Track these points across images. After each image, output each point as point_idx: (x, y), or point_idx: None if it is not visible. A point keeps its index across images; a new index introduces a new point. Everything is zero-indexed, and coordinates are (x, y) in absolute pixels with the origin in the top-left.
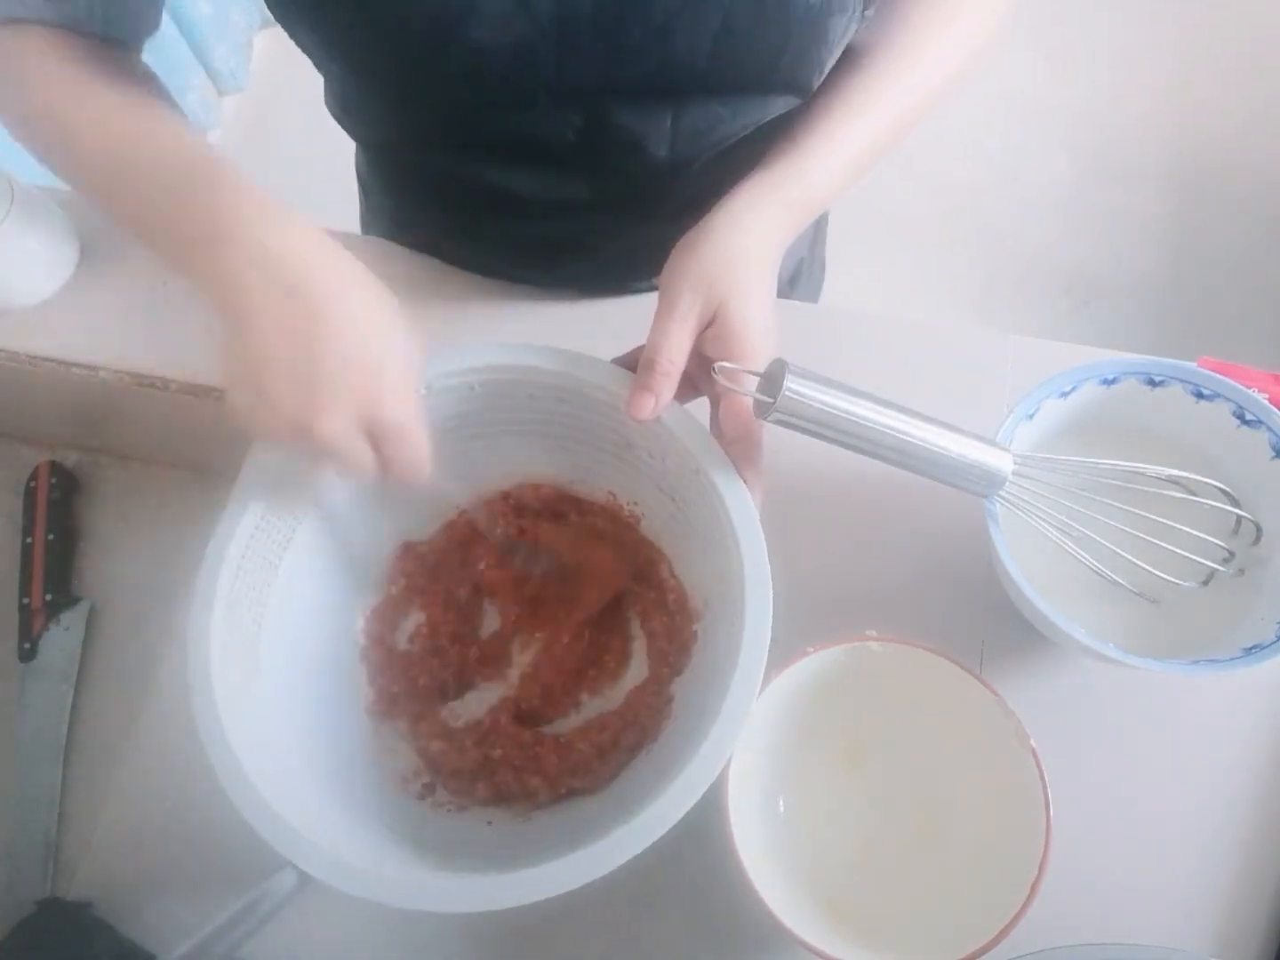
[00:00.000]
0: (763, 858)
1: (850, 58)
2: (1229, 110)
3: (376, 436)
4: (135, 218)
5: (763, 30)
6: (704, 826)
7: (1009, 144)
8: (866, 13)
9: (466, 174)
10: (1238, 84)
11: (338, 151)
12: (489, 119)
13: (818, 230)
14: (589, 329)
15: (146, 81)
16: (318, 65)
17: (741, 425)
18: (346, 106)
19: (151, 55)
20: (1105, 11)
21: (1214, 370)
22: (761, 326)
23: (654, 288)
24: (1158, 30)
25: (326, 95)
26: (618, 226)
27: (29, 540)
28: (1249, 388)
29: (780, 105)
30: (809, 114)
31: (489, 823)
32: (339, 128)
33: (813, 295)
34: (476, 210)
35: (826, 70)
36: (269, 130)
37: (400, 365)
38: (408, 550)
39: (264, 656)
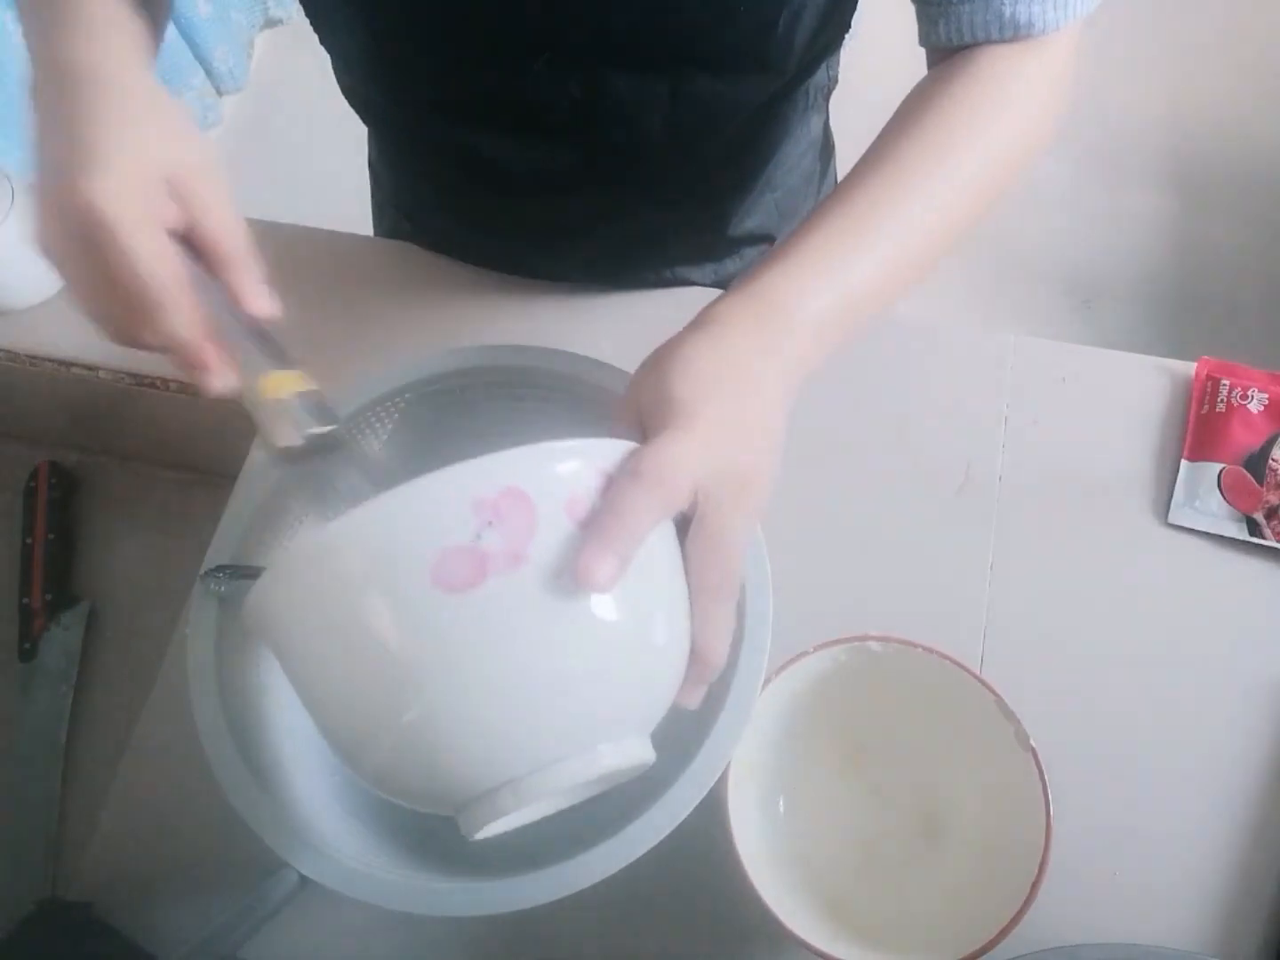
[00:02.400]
0: (763, 858)
1: (866, 163)
2: (1230, 110)
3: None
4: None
5: None
6: (704, 826)
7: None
8: None
9: (463, 145)
10: (1239, 84)
11: (337, 152)
12: (483, 83)
13: (825, 177)
14: (599, 325)
15: None
16: (328, 31)
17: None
18: (351, 70)
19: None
20: (1105, 11)
21: (1214, 370)
22: (687, 464)
23: (660, 281)
24: (1158, 30)
25: (334, 65)
26: (616, 208)
27: (29, 540)
28: (1248, 387)
29: (778, 84)
30: (814, 220)
31: None
32: (338, 128)
33: None
34: (474, 185)
35: (816, 48)
36: (269, 130)
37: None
38: None
39: (264, 664)
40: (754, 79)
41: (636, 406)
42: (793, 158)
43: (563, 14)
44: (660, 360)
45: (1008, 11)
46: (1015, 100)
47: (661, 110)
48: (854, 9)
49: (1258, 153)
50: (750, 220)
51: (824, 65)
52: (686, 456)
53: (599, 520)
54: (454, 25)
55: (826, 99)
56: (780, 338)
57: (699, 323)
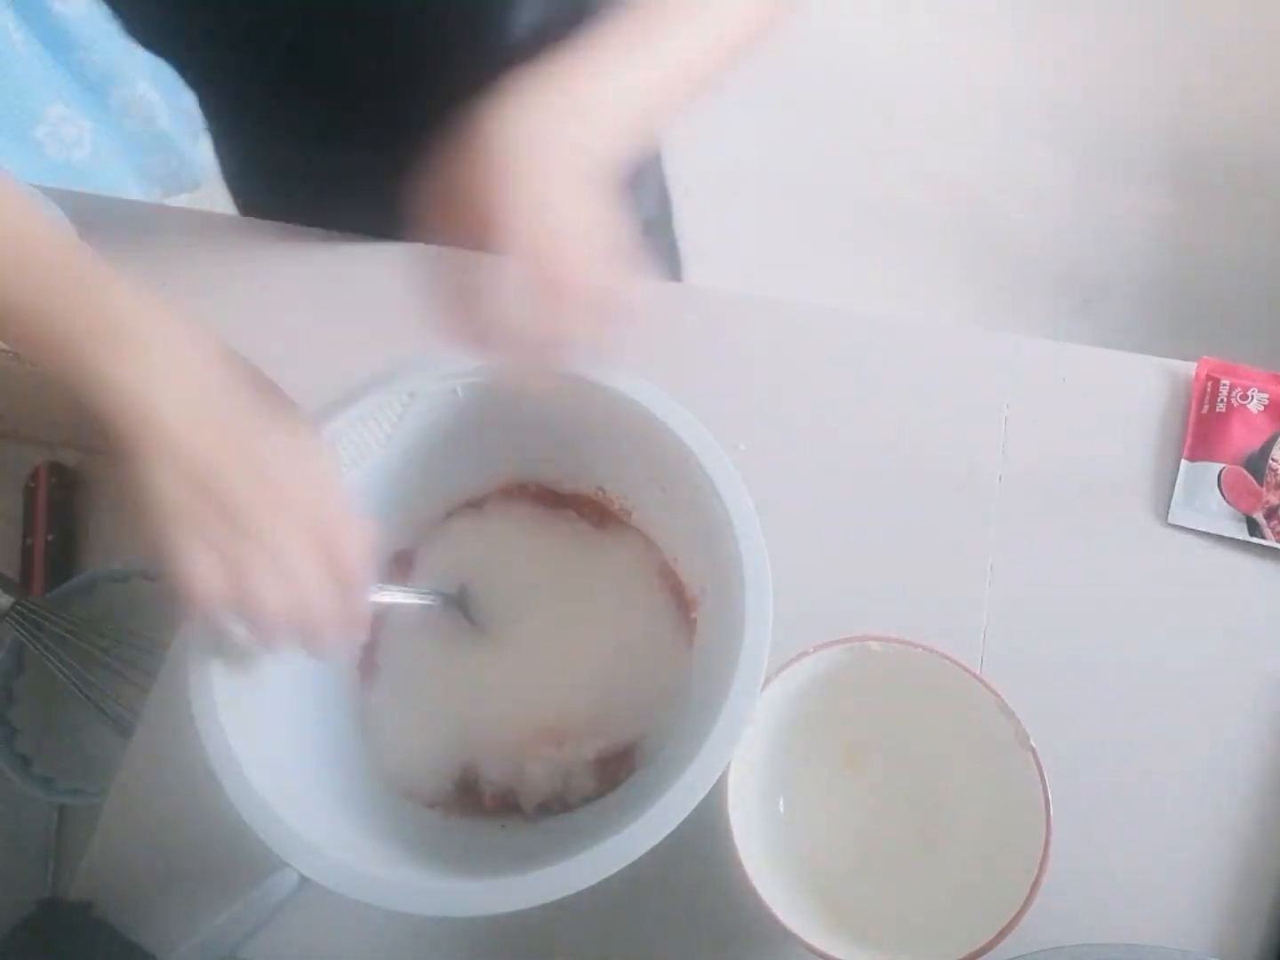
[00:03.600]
0: (763, 858)
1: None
2: (1230, 109)
3: (327, 552)
4: None
5: None
6: (704, 826)
7: (1009, 143)
8: None
9: (245, 102)
10: (1239, 83)
11: None
12: (242, 50)
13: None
14: None
15: None
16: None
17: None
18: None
19: (152, 55)
20: (1105, 9)
21: (1214, 370)
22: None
23: None
24: (1159, 28)
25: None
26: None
27: (29, 540)
28: (1248, 387)
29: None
30: (594, 36)
31: (502, 825)
32: None
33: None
34: (266, 140)
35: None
36: None
37: (334, 474)
38: (400, 560)
39: (263, 662)
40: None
41: (468, 199)
42: None
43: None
44: (478, 160)
45: None
46: None
47: (399, 71)
48: None
49: (1258, 152)
50: None
51: None
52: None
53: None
54: None
55: None
56: (577, 126)
57: (505, 116)
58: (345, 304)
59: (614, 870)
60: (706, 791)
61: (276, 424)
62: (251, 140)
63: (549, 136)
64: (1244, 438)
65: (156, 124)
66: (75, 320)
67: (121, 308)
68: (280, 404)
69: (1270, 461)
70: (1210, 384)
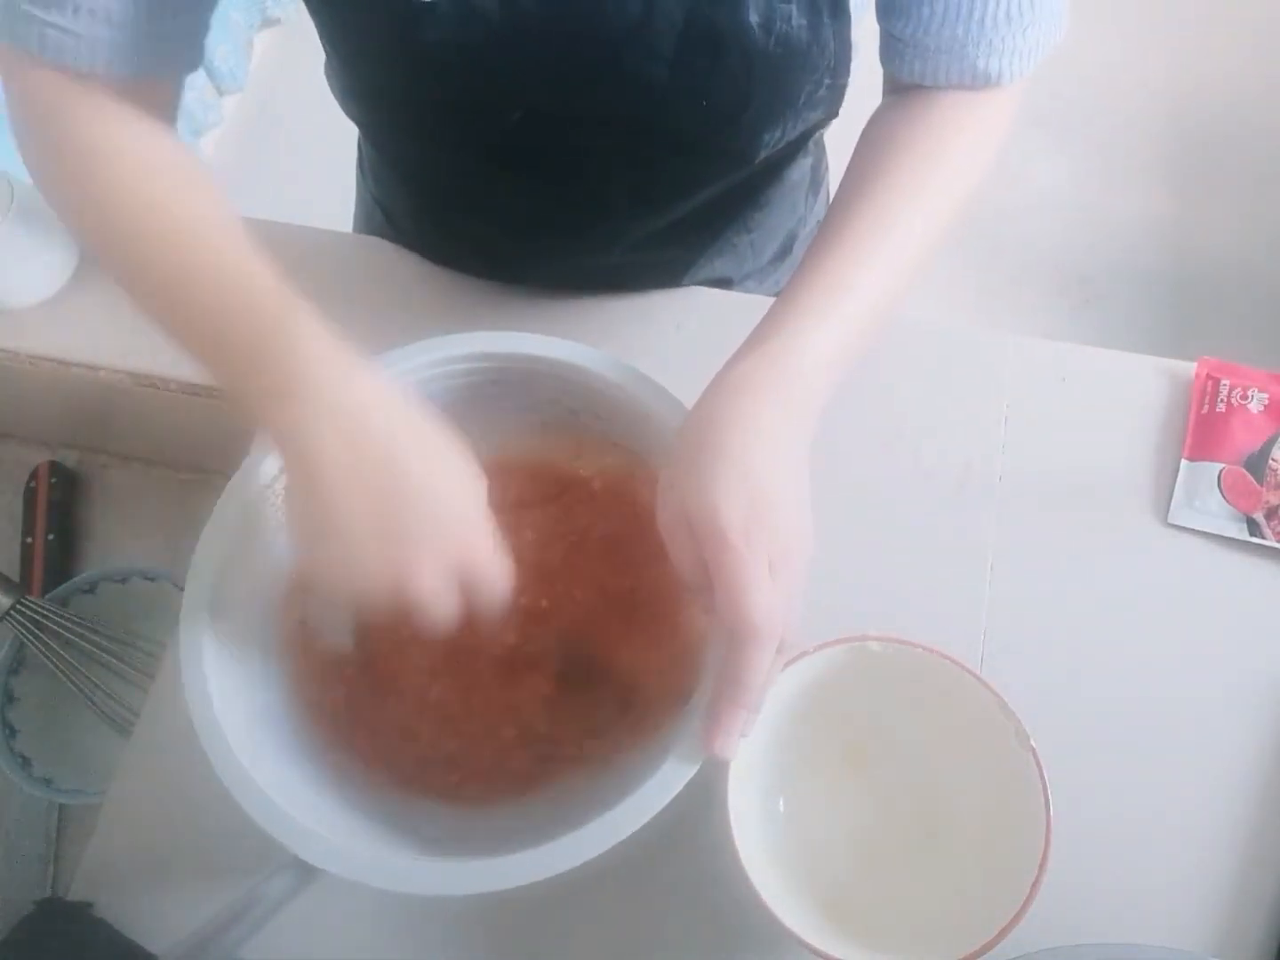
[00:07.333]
0: (763, 858)
1: (844, 204)
2: (1231, 110)
3: (465, 584)
4: (183, 328)
5: (720, 70)
6: (704, 826)
7: (1008, 143)
8: (832, 82)
9: (436, 165)
10: (1239, 83)
11: (337, 152)
12: (454, 122)
13: (816, 199)
14: (576, 328)
15: (181, 143)
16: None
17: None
18: (334, 77)
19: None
20: (1105, 9)
21: (1214, 370)
22: (736, 516)
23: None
24: (1158, 28)
25: (326, 65)
26: (581, 249)
27: (29, 540)
28: (1248, 387)
29: (743, 173)
30: (806, 267)
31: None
32: (338, 129)
33: None
34: (443, 201)
35: (789, 138)
36: (269, 130)
37: (481, 513)
38: None
39: (259, 659)
40: (722, 161)
41: (683, 509)
42: (774, 202)
43: (529, 78)
44: (700, 458)
45: (980, 64)
46: (973, 144)
47: (627, 175)
48: (836, 101)
49: (1259, 151)
50: (717, 262)
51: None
52: (773, 596)
53: (728, 692)
54: (422, 76)
55: (818, 144)
56: (798, 391)
57: (725, 395)
58: (343, 303)
59: (605, 847)
60: (695, 770)
61: (417, 477)
62: (436, 202)
63: (772, 420)
64: (1244, 438)
65: None
66: (250, 375)
67: (294, 365)
68: (432, 448)
69: (1270, 461)
70: (1210, 384)
